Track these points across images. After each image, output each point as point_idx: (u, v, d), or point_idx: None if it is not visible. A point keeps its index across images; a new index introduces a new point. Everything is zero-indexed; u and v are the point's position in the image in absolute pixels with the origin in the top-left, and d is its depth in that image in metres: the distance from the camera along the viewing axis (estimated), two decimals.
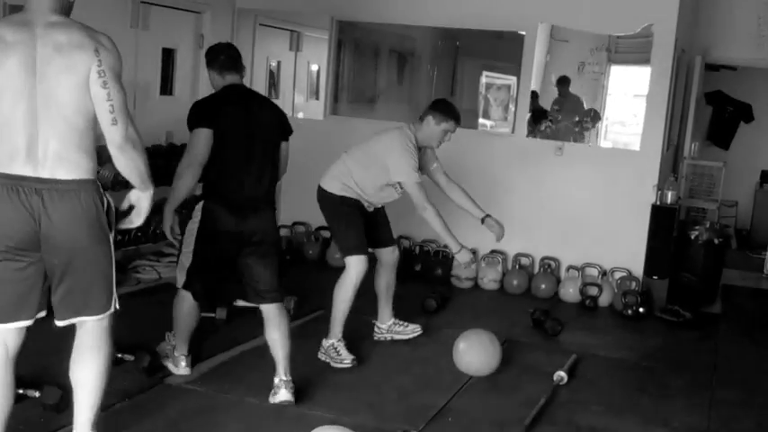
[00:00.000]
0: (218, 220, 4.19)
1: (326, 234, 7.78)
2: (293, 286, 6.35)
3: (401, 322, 5.40)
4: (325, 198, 5.07)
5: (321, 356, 4.90)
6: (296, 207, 7.97)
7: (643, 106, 7.06)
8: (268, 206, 4.36)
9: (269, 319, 4.24)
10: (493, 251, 7.07)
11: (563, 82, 7.64)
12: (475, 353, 4.78)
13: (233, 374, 4.62)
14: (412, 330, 5.38)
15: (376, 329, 5.36)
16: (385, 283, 5.28)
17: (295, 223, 7.93)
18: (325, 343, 4.92)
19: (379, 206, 5.19)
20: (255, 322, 5.40)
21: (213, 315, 5.37)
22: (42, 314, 3.24)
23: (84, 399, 3.31)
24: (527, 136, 7.39)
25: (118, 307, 3.29)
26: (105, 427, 3.77)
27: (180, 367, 4.47)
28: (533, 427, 4.11)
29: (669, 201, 6.90)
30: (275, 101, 9.06)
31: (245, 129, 4.25)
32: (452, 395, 4.50)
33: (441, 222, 4.86)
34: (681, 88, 8.09)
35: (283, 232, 7.87)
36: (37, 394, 3.89)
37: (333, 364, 4.81)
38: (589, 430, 4.21)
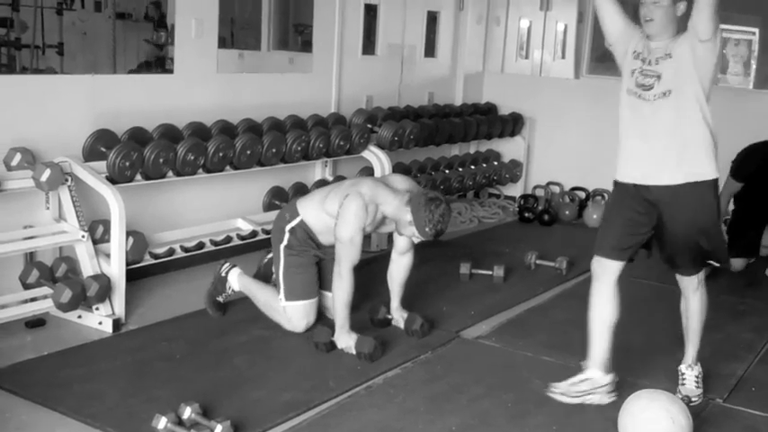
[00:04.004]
0: None
1: (581, 194, 7.79)
2: (557, 246, 6.42)
3: None
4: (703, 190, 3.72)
5: None
6: (550, 166, 8.02)
7: None
8: None
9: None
10: None
11: None
12: None
13: (522, 331, 4.75)
14: None
15: None
16: None
17: (549, 183, 7.96)
18: None
19: None
20: (531, 281, 5.61)
21: (491, 273, 5.51)
22: None
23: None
24: None
25: None
26: (418, 377, 4.04)
27: None
28: None
29: None
30: (525, 61, 9.18)
31: None
32: (749, 364, 4.43)
33: None
34: None
35: (539, 192, 7.94)
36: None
37: None
38: None
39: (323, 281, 4.49)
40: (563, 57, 9.71)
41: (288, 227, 4.40)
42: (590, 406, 3.76)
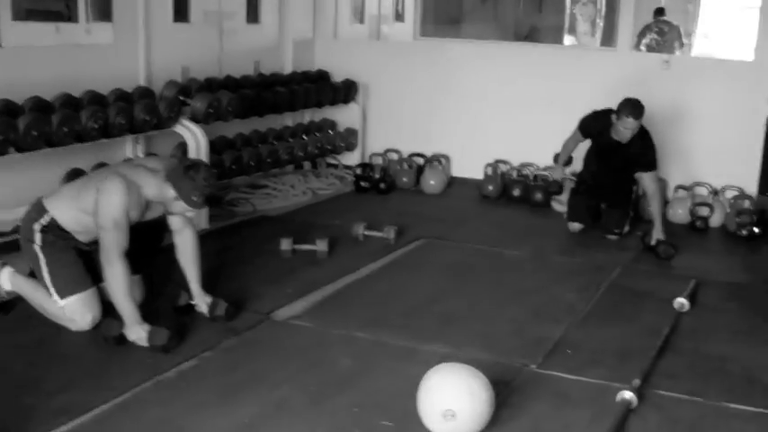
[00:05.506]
0: None
1: (420, 161, 7.58)
2: (392, 215, 6.20)
3: None
4: None
5: None
6: (388, 133, 7.79)
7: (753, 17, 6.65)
8: None
9: None
10: None
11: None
12: None
13: (338, 308, 4.49)
14: None
15: None
16: None
17: (387, 150, 7.72)
18: None
19: None
20: (357, 253, 5.36)
21: (315, 248, 5.23)
22: None
23: None
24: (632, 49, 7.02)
25: None
26: (217, 366, 3.73)
27: None
28: (659, 358, 3.88)
29: None
30: (360, 25, 8.90)
31: None
32: (568, 326, 4.29)
33: None
34: None
35: (377, 160, 7.70)
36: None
37: None
38: (720, 360, 3.94)
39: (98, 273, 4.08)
40: (402, 20, 9.49)
41: (37, 226, 4.01)
42: (394, 386, 3.52)
